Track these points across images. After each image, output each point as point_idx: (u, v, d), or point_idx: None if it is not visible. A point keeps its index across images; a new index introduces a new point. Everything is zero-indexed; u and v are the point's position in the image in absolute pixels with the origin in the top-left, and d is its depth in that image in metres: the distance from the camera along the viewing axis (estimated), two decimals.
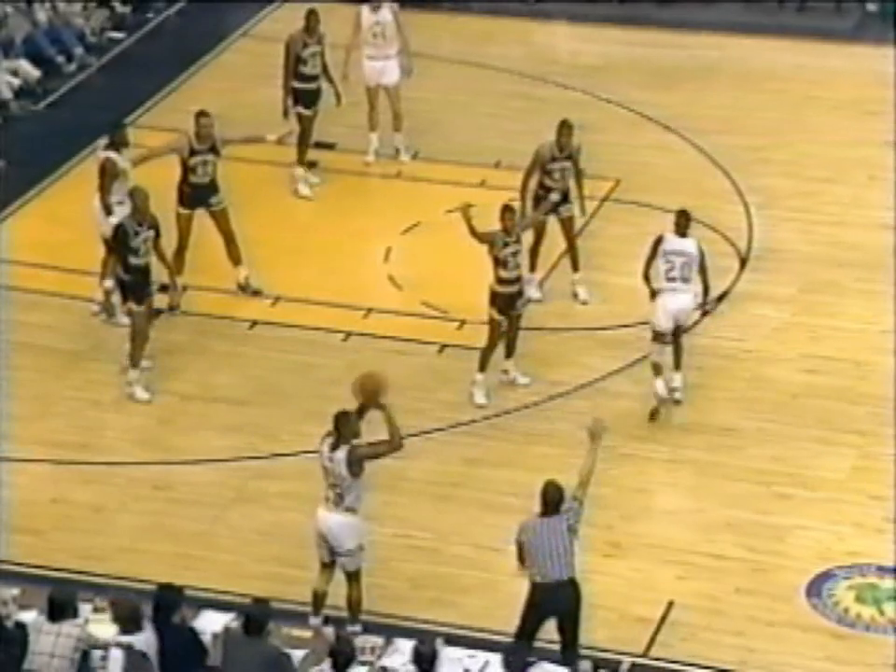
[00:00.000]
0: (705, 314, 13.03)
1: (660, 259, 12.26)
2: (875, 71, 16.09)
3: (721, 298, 13.83)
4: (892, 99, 16.49)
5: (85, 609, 9.78)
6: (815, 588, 10.92)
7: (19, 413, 12.51)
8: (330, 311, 13.88)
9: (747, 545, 11.28)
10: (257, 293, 13.99)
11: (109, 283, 13.33)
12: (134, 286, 12.66)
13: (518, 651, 9.35)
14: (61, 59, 17.82)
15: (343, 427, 10.35)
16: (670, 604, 10.81)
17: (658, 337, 12.34)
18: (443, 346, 13.51)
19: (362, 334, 13.63)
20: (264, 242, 14.41)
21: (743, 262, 14.34)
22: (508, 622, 10.14)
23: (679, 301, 12.26)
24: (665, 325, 12.27)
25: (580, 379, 12.94)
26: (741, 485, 11.83)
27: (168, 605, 9.37)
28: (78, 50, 17.97)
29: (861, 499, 11.63)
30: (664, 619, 10.69)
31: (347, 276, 14.34)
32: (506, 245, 12.47)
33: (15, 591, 10.10)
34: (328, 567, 10.50)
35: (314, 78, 15.10)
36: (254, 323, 13.82)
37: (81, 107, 17.01)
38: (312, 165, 15.55)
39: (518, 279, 12.62)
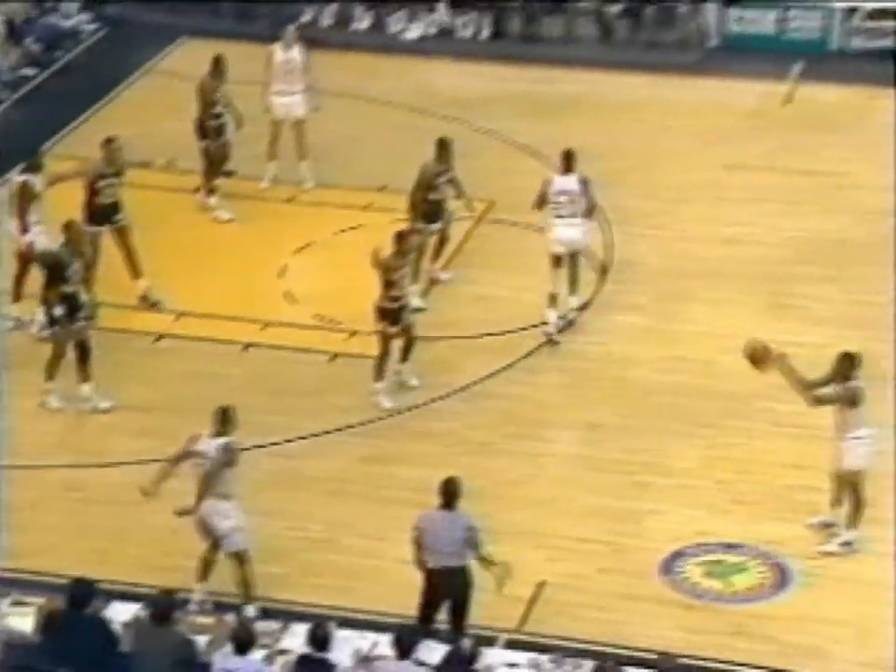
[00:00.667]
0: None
1: (549, 199, 13.21)
2: (717, 101, 16.38)
3: (584, 307, 14.03)
4: (734, 126, 16.83)
5: (3, 603, 9.65)
6: (668, 565, 11.09)
7: None
8: (231, 324, 13.85)
9: (609, 529, 11.43)
10: (155, 304, 13.95)
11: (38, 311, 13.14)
12: (63, 312, 12.56)
13: (407, 631, 9.40)
14: None
15: (227, 421, 10.45)
16: (541, 584, 10.92)
17: (555, 262, 13.30)
18: (335, 355, 13.54)
19: (260, 345, 13.61)
20: (167, 262, 14.36)
21: (604, 273, 14.54)
22: (397, 605, 10.21)
23: (570, 232, 13.27)
24: (558, 249, 13.29)
25: (460, 382, 13.03)
26: (605, 475, 11.98)
27: (81, 598, 9.29)
28: None
29: (709, 485, 11.83)
30: (535, 597, 10.79)
31: (246, 292, 14.30)
32: (399, 268, 12.57)
33: None
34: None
35: (220, 115, 15.17)
36: (159, 336, 13.75)
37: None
38: (198, 192, 15.50)
39: (403, 296, 12.72)
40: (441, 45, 19.03)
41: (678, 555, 11.16)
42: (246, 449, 12.07)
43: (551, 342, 13.46)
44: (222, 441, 10.50)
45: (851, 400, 10.86)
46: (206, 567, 10.62)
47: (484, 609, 10.32)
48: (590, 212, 13.57)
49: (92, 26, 19.27)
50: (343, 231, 15.24)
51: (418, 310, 13.40)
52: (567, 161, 13.51)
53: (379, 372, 12.75)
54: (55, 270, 12.64)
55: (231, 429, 10.54)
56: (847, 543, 11.13)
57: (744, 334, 13.42)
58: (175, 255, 14.70)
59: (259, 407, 12.65)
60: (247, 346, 13.63)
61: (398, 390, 12.83)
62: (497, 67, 18.40)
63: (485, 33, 19.35)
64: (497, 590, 9.97)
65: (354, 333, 13.70)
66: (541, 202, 13.46)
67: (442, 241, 14.30)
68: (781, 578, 10.96)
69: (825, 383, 10.97)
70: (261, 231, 15.31)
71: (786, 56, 18.19)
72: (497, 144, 16.66)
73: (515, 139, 16.69)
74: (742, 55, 18.28)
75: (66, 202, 13.62)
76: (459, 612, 10.07)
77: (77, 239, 12.72)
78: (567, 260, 13.45)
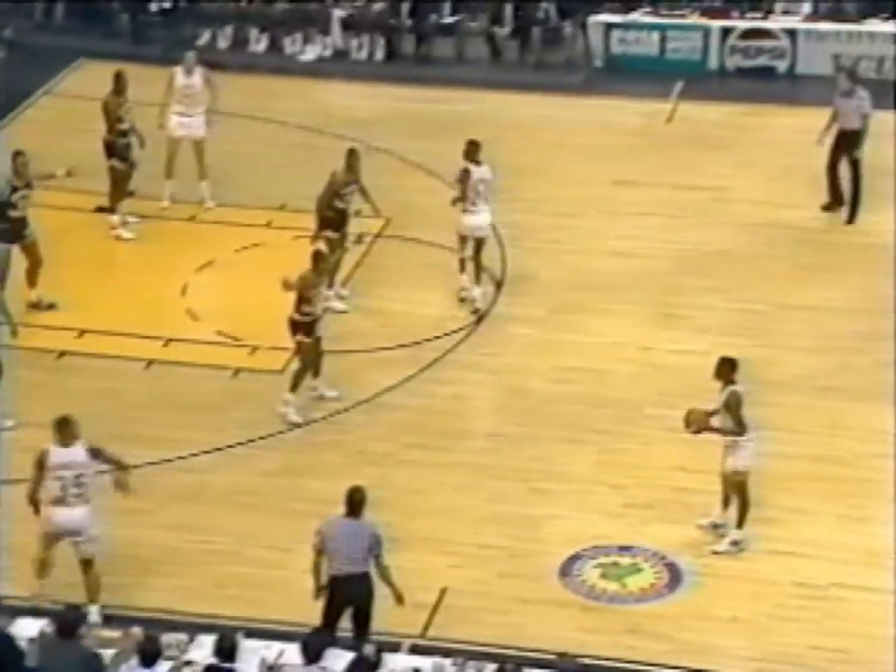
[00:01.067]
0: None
1: (470, 189, 13.81)
2: (604, 120, 16.52)
3: (480, 319, 14.04)
4: (620, 144, 17.00)
5: None
6: (566, 569, 11.11)
7: None
8: (133, 341, 13.63)
9: (508, 535, 11.43)
10: (51, 306, 13.71)
11: None
12: None
13: (315, 638, 9.30)
14: None
15: (71, 428, 10.32)
16: (443, 590, 10.88)
17: (462, 240, 14.12)
18: (237, 370, 13.39)
19: (163, 362, 13.43)
20: (70, 279, 14.12)
21: (499, 287, 14.57)
22: (305, 615, 10.08)
23: (485, 218, 14.03)
24: (469, 234, 14.07)
25: (362, 394, 12.96)
26: (503, 483, 11.98)
27: None
28: None
29: (603, 489, 11.88)
30: (438, 604, 10.75)
31: (148, 310, 14.09)
32: (315, 285, 12.54)
33: None
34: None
35: (127, 133, 15.01)
36: (62, 354, 13.48)
37: None
38: (102, 210, 15.29)
39: (315, 311, 12.66)
40: (337, 66, 18.97)
41: (574, 559, 11.20)
42: (153, 464, 11.93)
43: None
44: (88, 447, 10.30)
45: (740, 403, 10.97)
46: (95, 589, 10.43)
47: (388, 615, 10.25)
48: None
49: None
50: (243, 248, 15.10)
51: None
52: (477, 151, 13.82)
53: (296, 384, 12.63)
54: None
55: (76, 436, 10.32)
56: (736, 543, 11.26)
57: (633, 343, 13.66)
58: (78, 272, 14.45)
59: (163, 423, 12.49)
60: (150, 363, 13.43)
61: (305, 405, 12.71)
62: (392, 88, 18.39)
63: (379, 54, 19.34)
64: (397, 603, 9.89)
65: (255, 349, 13.56)
66: (464, 193, 13.80)
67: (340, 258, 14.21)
68: (674, 578, 11.04)
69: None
70: (163, 249, 15.11)
71: (668, 76, 18.42)
72: (392, 162, 16.63)
73: (409, 157, 16.68)
74: (626, 75, 18.49)
75: None
76: (362, 619, 9.99)
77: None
78: (474, 246, 13.96)
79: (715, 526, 11.43)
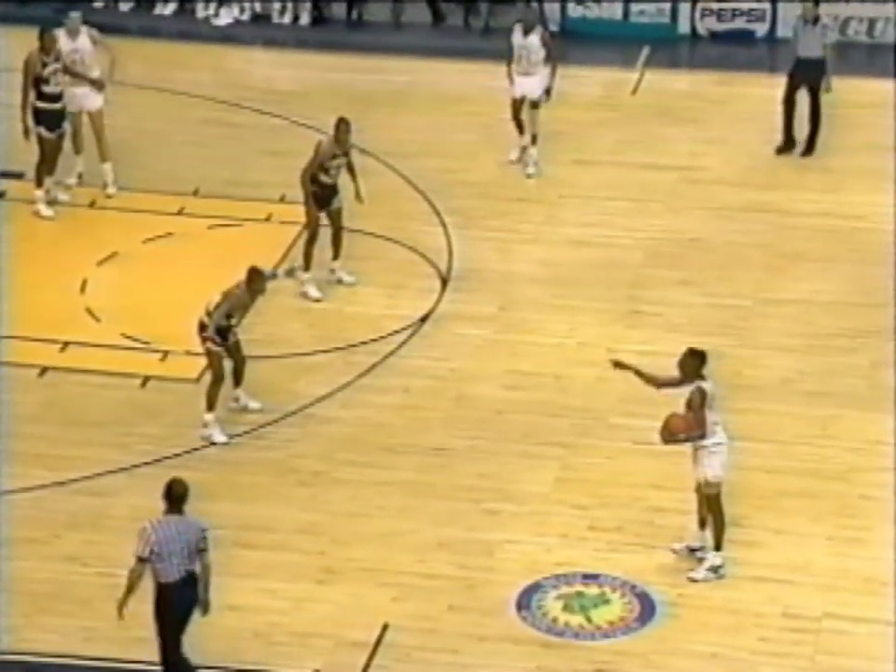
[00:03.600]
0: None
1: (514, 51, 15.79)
2: (560, 92, 16.48)
3: (423, 319, 14.01)
4: (578, 119, 17.03)
5: None
6: (524, 600, 11.10)
7: None
8: (25, 345, 13.47)
9: (458, 563, 11.40)
10: None
11: None
12: None
13: None
14: None
15: None
16: (385, 626, 10.83)
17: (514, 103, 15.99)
18: (146, 378, 13.27)
19: (59, 368, 13.27)
20: None
21: (444, 283, 14.56)
22: (220, 657, 9.97)
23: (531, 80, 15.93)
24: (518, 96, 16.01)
25: (290, 405, 12.89)
26: (451, 504, 11.96)
27: None
28: None
29: (564, 510, 11.89)
30: (378, 642, 10.70)
31: (42, 309, 13.92)
32: (244, 306, 12.49)
33: None
34: None
35: (57, 98, 14.92)
36: None
37: None
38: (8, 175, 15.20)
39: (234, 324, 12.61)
40: (256, 32, 18.85)
41: (533, 589, 11.19)
42: (44, 486, 11.78)
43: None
44: None
45: (704, 401, 10.98)
46: None
47: (323, 655, 10.19)
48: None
49: None
50: (150, 239, 14.98)
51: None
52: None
53: (212, 400, 12.51)
54: None
55: None
56: (714, 568, 11.30)
57: (596, 344, 13.68)
58: None
59: (58, 438, 12.33)
60: (44, 370, 13.26)
61: (225, 418, 12.61)
62: (318, 56, 18.33)
63: (305, 18, 19.26)
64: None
65: (167, 354, 13.44)
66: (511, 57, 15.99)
67: (336, 234, 14.21)
68: (645, 609, 11.06)
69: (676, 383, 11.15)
70: (60, 240, 14.96)
71: (632, 42, 18.51)
72: (317, 139, 16.54)
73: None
74: (585, 41, 18.54)
75: None
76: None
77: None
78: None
79: (691, 550, 11.47)
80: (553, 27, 18.67)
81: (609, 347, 13.42)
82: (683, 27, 19.04)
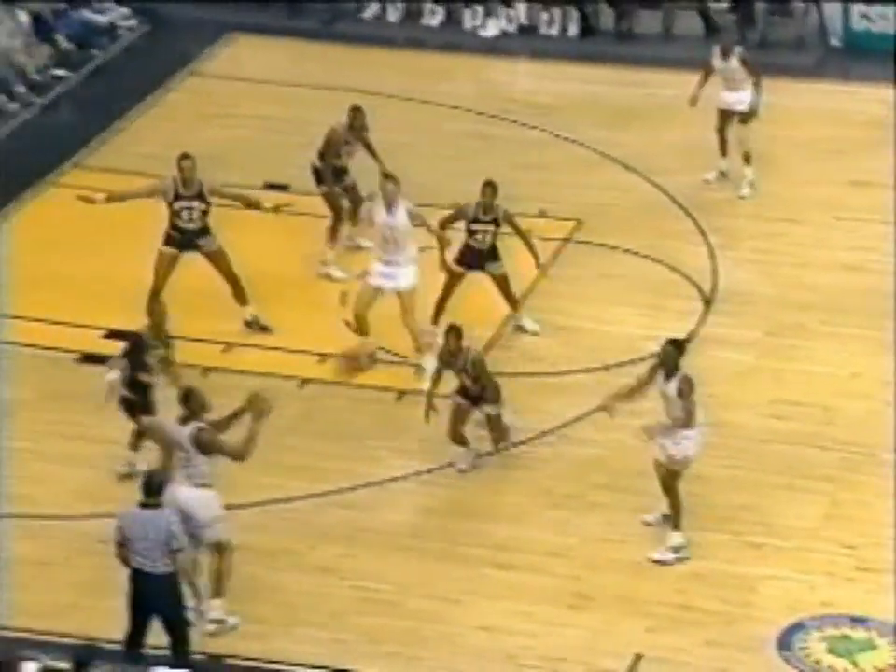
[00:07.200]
0: None
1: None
2: (839, 109, 16.19)
3: (687, 339, 13.84)
4: (854, 138, 16.64)
5: (30, 667, 9.62)
6: (786, 640, 10.89)
7: None
8: (288, 357, 13.66)
9: (716, 596, 11.25)
10: None
11: None
12: None
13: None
14: (2, 98, 17.69)
15: (192, 403, 10.65)
16: (638, 657, 10.75)
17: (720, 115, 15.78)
18: (401, 393, 13.24)
19: (318, 381, 13.41)
20: None
21: (707, 304, 14.39)
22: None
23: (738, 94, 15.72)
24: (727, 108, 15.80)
25: (542, 425, 12.88)
26: (710, 535, 11.77)
27: None
28: (20, 89, 17.85)
29: (832, 548, 11.63)
30: (632, 669, 10.62)
31: (302, 323, 14.13)
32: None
33: None
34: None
35: (341, 173, 14.67)
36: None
37: (25, 148, 16.87)
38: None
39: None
40: (523, 43, 18.88)
41: (796, 628, 10.97)
42: (301, 498, 12.02)
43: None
44: (191, 426, 10.61)
45: (693, 389, 11.24)
46: (218, 580, 10.67)
47: None
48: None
49: (131, 22, 19.36)
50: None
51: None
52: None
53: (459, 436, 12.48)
54: None
55: (200, 410, 10.66)
56: (676, 549, 11.36)
57: (868, 375, 13.31)
58: None
59: (315, 450, 12.53)
60: (304, 382, 13.48)
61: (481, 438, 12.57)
62: (584, 69, 18.30)
63: (573, 30, 19.24)
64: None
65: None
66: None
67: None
68: None
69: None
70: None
71: None
72: (580, 154, 16.53)
73: (600, 149, 16.56)
74: (867, 56, 17.99)
75: None
76: (176, 632, 10.04)
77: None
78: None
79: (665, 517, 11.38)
80: (835, 41, 18.27)
81: (881, 379, 13.08)
82: None
